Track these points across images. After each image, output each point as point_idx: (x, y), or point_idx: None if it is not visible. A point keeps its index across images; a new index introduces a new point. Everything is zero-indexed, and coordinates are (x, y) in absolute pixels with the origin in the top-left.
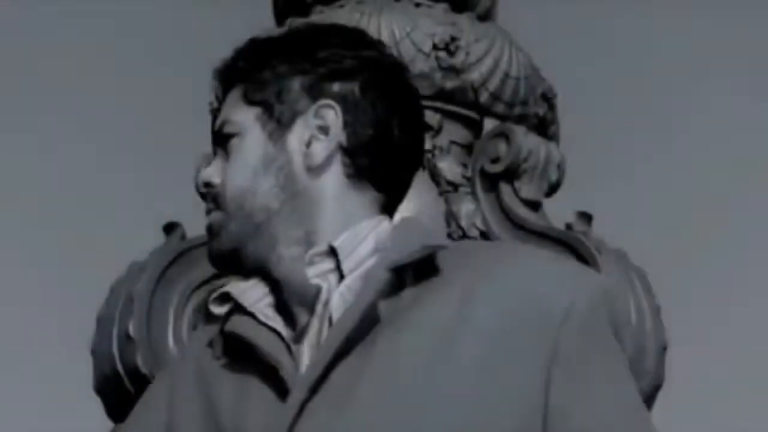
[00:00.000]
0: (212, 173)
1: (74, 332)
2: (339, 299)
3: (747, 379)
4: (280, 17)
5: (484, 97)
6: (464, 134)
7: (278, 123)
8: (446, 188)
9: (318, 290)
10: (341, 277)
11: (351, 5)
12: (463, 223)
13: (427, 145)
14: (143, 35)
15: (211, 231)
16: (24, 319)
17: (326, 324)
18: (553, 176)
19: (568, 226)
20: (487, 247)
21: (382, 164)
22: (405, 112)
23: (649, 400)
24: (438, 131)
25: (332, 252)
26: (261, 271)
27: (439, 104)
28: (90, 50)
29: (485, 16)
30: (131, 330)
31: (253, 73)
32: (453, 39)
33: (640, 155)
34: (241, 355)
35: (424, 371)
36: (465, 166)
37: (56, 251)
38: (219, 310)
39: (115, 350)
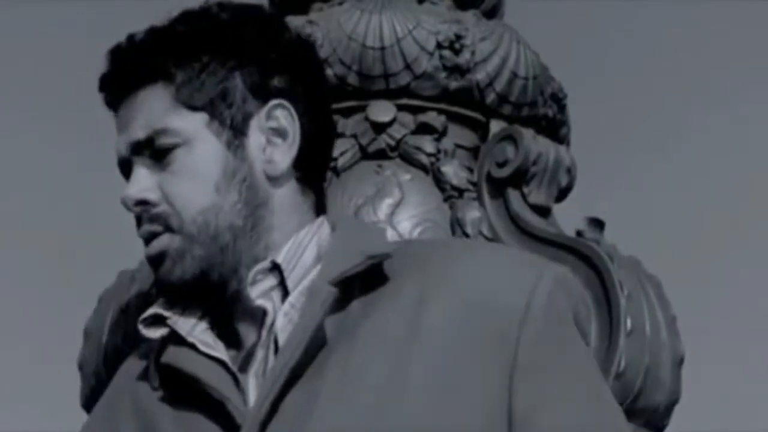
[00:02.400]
0: (146, 189)
1: (60, 345)
2: (284, 320)
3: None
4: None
5: (490, 98)
6: (470, 137)
7: (233, 130)
8: (451, 194)
9: (264, 312)
10: (285, 292)
11: (351, 2)
12: (469, 230)
13: (431, 149)
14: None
15: (164, 258)
16: (4, 331)
17: (272, 350)
18: (564, 181)
19: (579, 233)
20: (435, 247)
21: (323, 162)
22: (327, 96)
23: (665, 414)
24: (442, 134)
25: (275, 267)
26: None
27: (443, 105)
28: (85, 49)
29: (491, 13)
30: (121, 342)
31: (177, 72)
32: (458, 37)
33: (654, 158)
34: (182, 387)
35: (379, 391)
36: (470, 170)
37: (41, 258)
38: (153, 333)
39: (103, 364)
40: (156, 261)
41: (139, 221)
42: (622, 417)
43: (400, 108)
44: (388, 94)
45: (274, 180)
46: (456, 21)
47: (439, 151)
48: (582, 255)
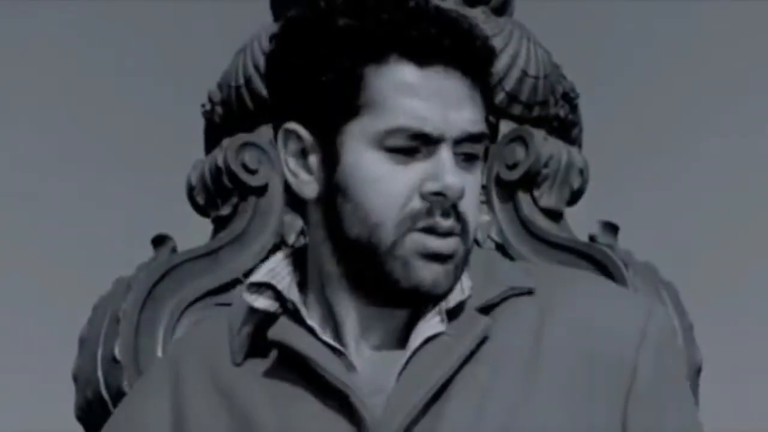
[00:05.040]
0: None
1: (54, 354)
2: (429, 331)
3: None
4: (278, 12)
5: (500, 97)
6: None
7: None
8: None
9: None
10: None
11: None
12: (478, 235)
13: None
14: (130, 41)
15: (448, 260)
16: None
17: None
18: (576, 183)
19: (592, 238)
20: (551, 273)
21: None
22: None
23: None
24: None
25: None
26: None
27: None
28: (74, 57)
29: (501, 10)
30: (117, 352)
31: (487, 79)
32: None
33: (670, 160)
34: (283, 367)
35: (506, 408)
36: None
37: (33, 265)
38: (259, 303)
39: (99, 374)
40: (439, 258)
41: (447, 213)
42: None
43: None
44: None
45: None
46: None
47: None
48: (595, 261)
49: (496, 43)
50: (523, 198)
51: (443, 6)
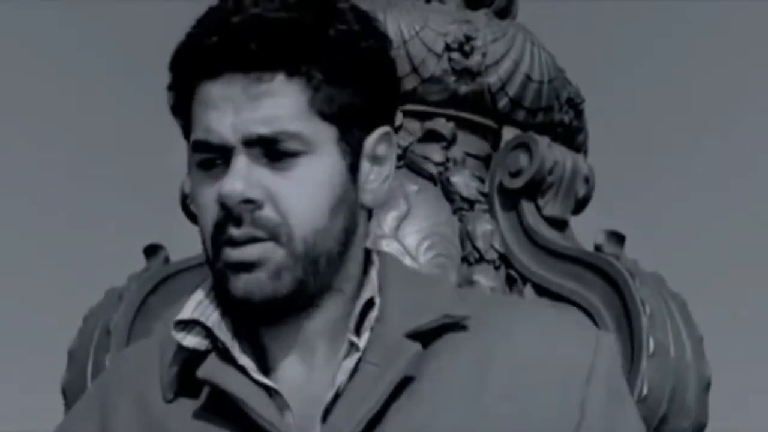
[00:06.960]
0: (252, 185)
1: (42, 367)
2: (349, 363)
3: None
4: None
5: (502, 102)
6: (481, 145)
7: (354, 151)
8: (461, 205)
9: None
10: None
11: (354, 1)
12: (480, 244)
13: (440, 158)
14: (122, 44)
15: (256, 267)
16: None
17: (332, 393)
18: (581, 191)
19: (598, 248)
20: (495, 306)
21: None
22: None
23: None
24: (451, 142)
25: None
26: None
27: (452, 111)
28: (64, 61)
29: (504, 13)
30: (108, 365)
31: (315, 72)
32: (468, 38)
33: (678, 167)
34: (213, 407)
35: None
36: (482, 180)
37: (22, 275)
38: (189, 342)
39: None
40: (245, 267)
41: (237, 221)
42: None
43: (406, 114)
44: None
45: (365, 209)
46: (466, 21)
47: (447, 160)
48: (600, 271)
49: (499, 47)
50: (527, 206)
51: (269, 10)
